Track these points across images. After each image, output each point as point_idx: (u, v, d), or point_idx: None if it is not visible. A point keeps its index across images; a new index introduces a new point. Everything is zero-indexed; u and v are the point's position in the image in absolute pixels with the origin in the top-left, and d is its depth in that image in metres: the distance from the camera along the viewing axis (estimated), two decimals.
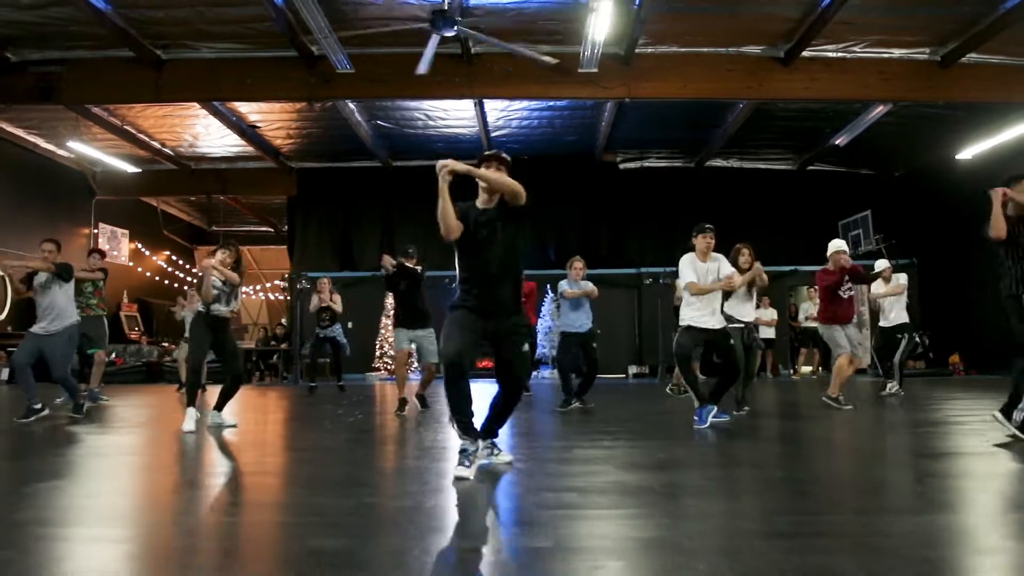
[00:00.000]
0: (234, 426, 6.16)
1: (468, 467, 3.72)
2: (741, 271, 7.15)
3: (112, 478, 4.02)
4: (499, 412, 4.19)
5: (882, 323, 9.63)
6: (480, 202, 4.17)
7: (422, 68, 8.77)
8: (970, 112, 12.47)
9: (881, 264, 9.55)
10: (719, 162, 16.38)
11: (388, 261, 7.61)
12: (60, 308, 6.99)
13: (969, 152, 13.17)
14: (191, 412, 6.04)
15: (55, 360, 6.89)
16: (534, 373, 15.76)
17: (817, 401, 7.92)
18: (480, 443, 3.98)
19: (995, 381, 10.79)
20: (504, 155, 4.26)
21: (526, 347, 4.14)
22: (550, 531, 2.61)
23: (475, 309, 4.04)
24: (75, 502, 3.27)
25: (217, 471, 4.33)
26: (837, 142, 13.99)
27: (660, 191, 16.41)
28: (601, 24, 9.16)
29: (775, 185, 16.46)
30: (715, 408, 6.07)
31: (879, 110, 12.32)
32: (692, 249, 6.43)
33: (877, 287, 9.53)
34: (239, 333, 21.19)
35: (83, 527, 2.87)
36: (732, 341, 6.38)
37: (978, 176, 13.47)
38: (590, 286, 8.08)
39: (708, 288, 6.20)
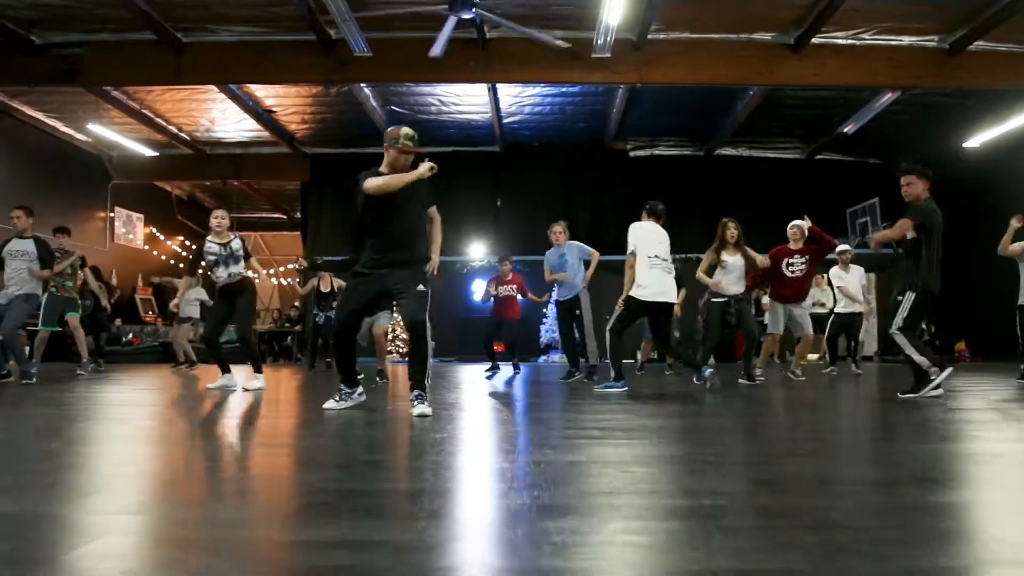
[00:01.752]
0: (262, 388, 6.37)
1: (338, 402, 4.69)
2: (728, 245, 7.42)
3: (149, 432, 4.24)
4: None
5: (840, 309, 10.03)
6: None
7: (436, 51, 9.00)
8: (978, 100, 12.61)
9: (841, 247, 9.72)
10: (728, 150, 16.55)
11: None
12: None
13: (976, 140, 13.31)
14: (226, 376, 6.28)
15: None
16: (543, 357, 16.03)
17: (818, 380, 8.15)
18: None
19: (1001, 367, 10.97)
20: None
21: (420, 287, 4.53)
22: (581, 451, 2.82)
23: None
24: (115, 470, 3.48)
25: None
26: (845, 130, 14.14)
27: (669, 179, 16.54)
28: (615, 9, 9.33)
29: (783, 174, 16.60)
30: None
31: (887, 97, 12.47)
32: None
33: (838, 274, 9.87)
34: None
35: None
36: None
37: (985, 164, 13.66)
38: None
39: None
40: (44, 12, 10.42)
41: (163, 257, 18.88)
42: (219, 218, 6.55)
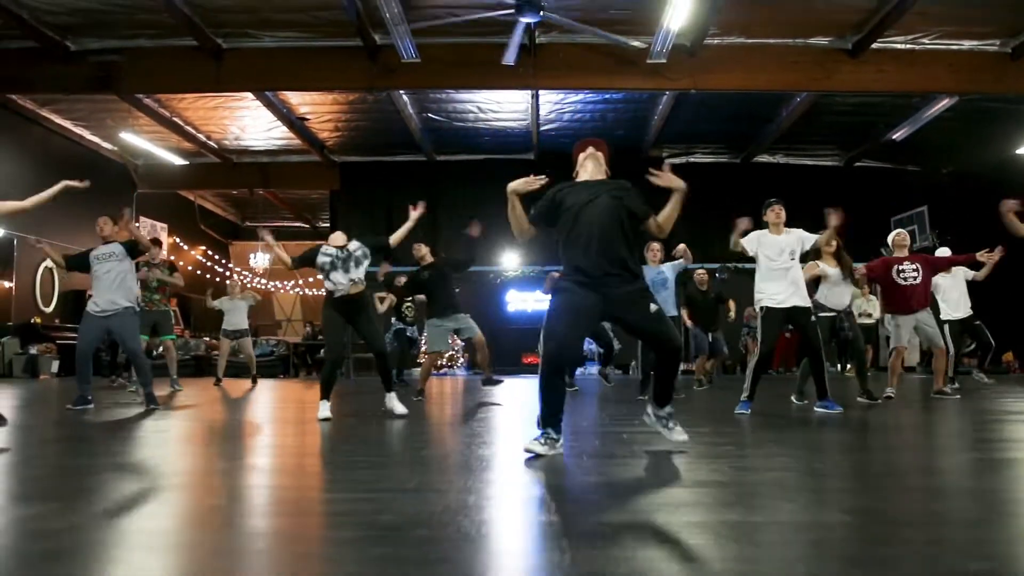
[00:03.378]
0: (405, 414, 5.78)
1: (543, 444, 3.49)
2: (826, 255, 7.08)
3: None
4: (659, 379, 3.91)
5: None
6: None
7: (510, 58, 8.81)
8: None
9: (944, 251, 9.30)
10: (765, 158, 16.24)
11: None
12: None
13: None
14: (324, 404, 5.53)
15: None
16: (579, 369, 15.68)
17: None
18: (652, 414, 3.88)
19: None
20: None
21: (654, 307, 3.82)
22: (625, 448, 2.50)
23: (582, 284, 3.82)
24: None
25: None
26: (895, 136, 13.84)
27: (705, 187, 16.21)
28: (679, 14, 9.03)
29: (821, 181, 16.24)
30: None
31: (943, 103, 12.17)
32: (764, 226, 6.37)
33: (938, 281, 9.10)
34: (271, 330, 21.15)
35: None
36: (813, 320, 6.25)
37: None
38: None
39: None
40: (83, 18, 10.13)
41: (189, 267, 18.55)
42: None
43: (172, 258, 10.84)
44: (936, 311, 9.10)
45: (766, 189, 15.49)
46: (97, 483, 2.93)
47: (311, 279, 20.67)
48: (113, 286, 6.50)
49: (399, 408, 5.82)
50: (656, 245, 8.20)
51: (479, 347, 7.80)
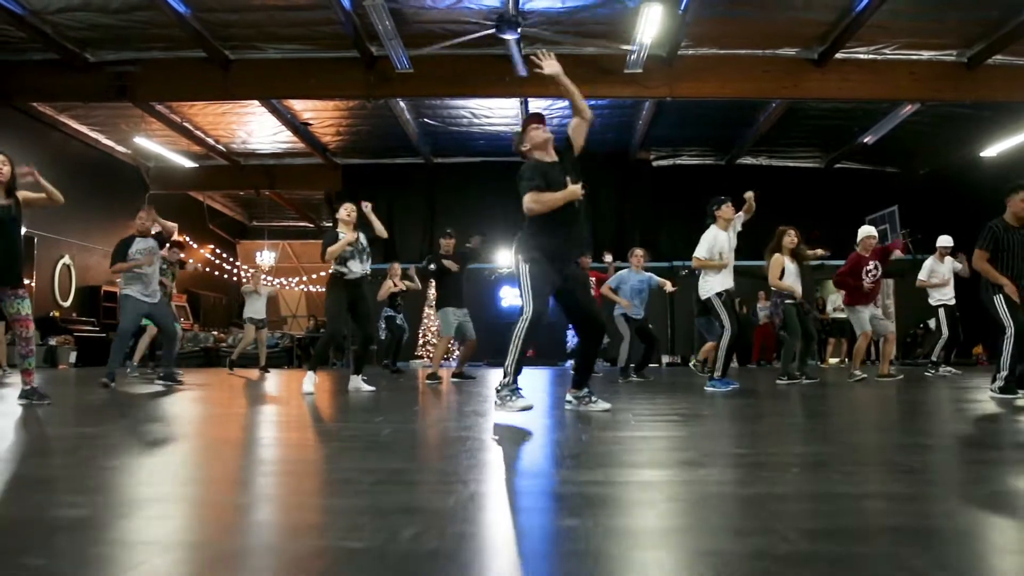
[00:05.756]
0: (373, 389, 6.52)
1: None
2: (787, 251, 7.86)
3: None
4: (584, 361, 4.76)
5: None
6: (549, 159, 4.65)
7: (521, 71, 10.15)
8: (995, 111, 12.99)
9: (946, 240, 9.94)
10: (749, 160, 16.95)
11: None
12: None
13: (994, 149, 13.71)
14: (310, 377, 6.25)
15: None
16: (570, 362, 16.43)
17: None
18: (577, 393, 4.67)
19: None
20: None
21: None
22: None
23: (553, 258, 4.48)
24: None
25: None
26: (865, 140, 14.55)
27: (691, 187, 16.95)
28: (650, 27, 9.78)
29: (803, 182, 17.01)
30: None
31: (908, 109, 12.88)
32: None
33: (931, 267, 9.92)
34: (277, 325, 21.95)
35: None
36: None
37: (1003, 172, 14.02)
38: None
39: (716, 264, 6.85)
40: (102, 32, 10.91)
41: (198, 266, 19.38)
42: (348, 210, 6.57)
43: (189, 261, 11.67)
44: (925, 295, 9.98)
45: (750, 189, 16.35)
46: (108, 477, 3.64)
47: (314, 276, 21.49)
48: (156, 276, 7.48)
49: (365, 387, 6.54)
50: (640, 251, 9.00)
51: (471, 347, 8.59)
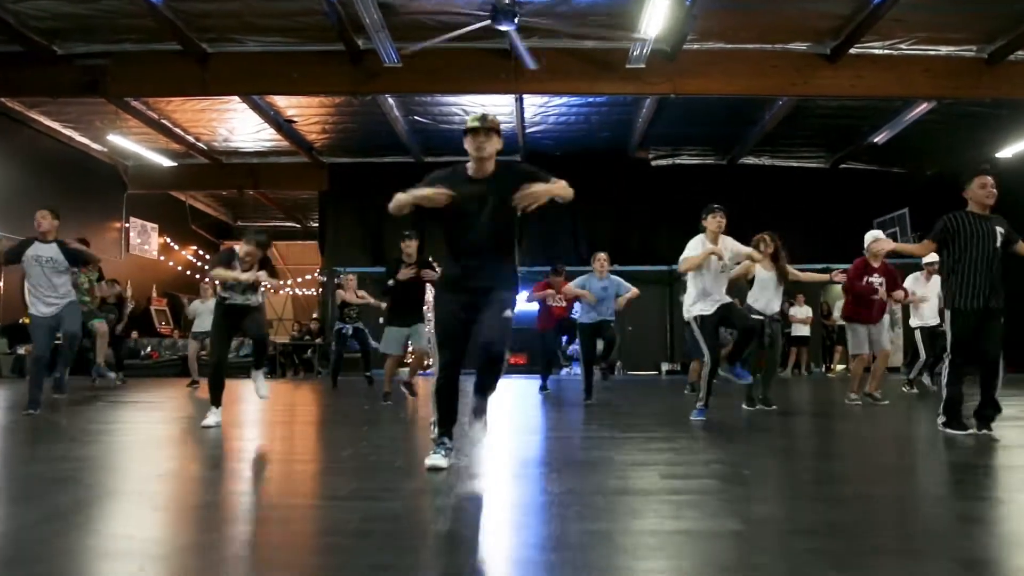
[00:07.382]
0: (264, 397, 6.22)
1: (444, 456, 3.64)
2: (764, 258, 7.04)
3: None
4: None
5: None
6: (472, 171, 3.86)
7: (529, 64, 9.46)
8: (1012, 109, 12.41)
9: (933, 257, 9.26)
10: (751, 160, 16.36)
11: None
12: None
13: (1010, 151, 13.15)
14: (214, 410, 5.65)
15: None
16: (565, 370, 15.80)
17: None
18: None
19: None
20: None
21: (507, 312, 3.76)
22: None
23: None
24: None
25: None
26: (876, 140, 13.97)
27: (691, 188, 16.34)
28: (656, 20, 9.14)
29: (807, 183, 16.44)
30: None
31: (922, 107, 12.29)
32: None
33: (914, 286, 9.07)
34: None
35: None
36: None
37: (1019, 174, 13.47)
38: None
39: (698, 261, 6.01)
40: (69, 22, 10.21)
41: (178, 267, 18.69)
42: (249, 247, 5.94)
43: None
44: (906, 317, 9.18)
45: (752, 191, 15.82)
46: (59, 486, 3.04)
47: (299, 279, 20.82)
48: (50, 288, 7.05)
49: (263, 388, 6.16)
50: (602, 255, 8.32)
51: (419, 358, 8.47)
